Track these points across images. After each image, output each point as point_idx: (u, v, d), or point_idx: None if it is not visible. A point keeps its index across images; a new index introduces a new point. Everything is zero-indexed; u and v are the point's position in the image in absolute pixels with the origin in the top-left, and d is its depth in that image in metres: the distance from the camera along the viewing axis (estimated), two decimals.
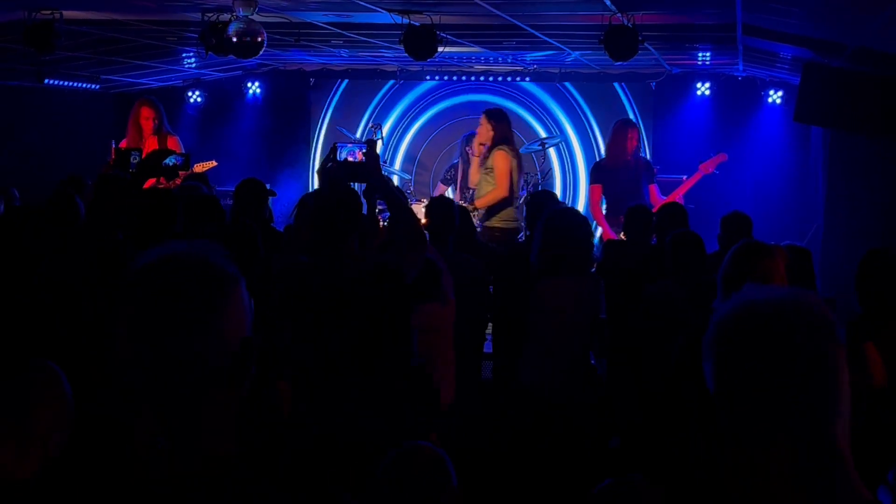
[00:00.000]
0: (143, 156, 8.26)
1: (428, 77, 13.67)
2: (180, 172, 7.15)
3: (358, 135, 13.12)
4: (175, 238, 5.11)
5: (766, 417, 1.72)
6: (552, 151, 12.93)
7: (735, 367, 1.76)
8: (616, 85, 13.21)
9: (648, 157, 12.53)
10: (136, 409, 1.71)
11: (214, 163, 9.94)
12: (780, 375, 1.71)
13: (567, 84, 13.36)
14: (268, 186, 7.31)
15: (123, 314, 1.71)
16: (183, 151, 9.60)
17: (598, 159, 11.60)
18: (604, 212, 9.90)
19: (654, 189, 10.06)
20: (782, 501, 1.71)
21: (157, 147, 9.51)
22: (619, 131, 10.35)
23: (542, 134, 12.85)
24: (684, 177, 11.01)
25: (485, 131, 9.59)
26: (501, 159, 9.33)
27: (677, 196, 10.39)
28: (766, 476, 1.72)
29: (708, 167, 10.69)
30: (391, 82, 13.74)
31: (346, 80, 13.95)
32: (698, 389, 1.90)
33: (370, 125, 13.23)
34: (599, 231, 10.05)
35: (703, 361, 1.82)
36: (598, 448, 5.54)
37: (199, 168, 9.59)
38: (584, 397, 5.55)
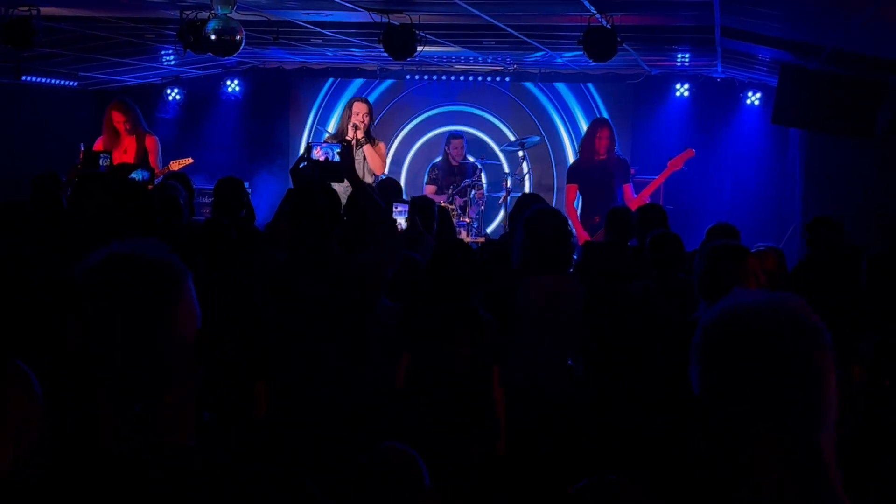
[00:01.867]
0: (114, 160, 8.27)
1: (408, 76, 13.65)
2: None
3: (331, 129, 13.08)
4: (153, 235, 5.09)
5: (750, 421, 1.73)
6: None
7: (721, 371, 1.76)
8: (594, 86, 13.24)
9: (629, 157, 12.55)
10: (94, 400, 1.77)
11: (191, 160, 9.90)
12: (767, 380, 1.72)
13: (545, 84, 13.38)
14: (246, 185, 7.30)
15: (77, 312, 1.78)
16: (160, 151, 9.59)
17: (571, 163, 11.67)
18: (579, 212, 10.03)
19: (627, 188, 10.21)
20: (768, 502, 1.72)
21: (136, 147, 9.49)
22: (590, 130, 10.67)
23: (511, 138, 12.90)
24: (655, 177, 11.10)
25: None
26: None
27: (647, 193, 10.53)
28: (752, 477, 1.73)
29: (677, 163, 10.79)
30: (375, 83, 13.72)
31: (328, 80, 13.92)
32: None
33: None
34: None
35: (689, 365, 1.83)
36: (589, 446, 5.55)
37: (176, 165, 9.56)
38: (570, 395, 5.56)
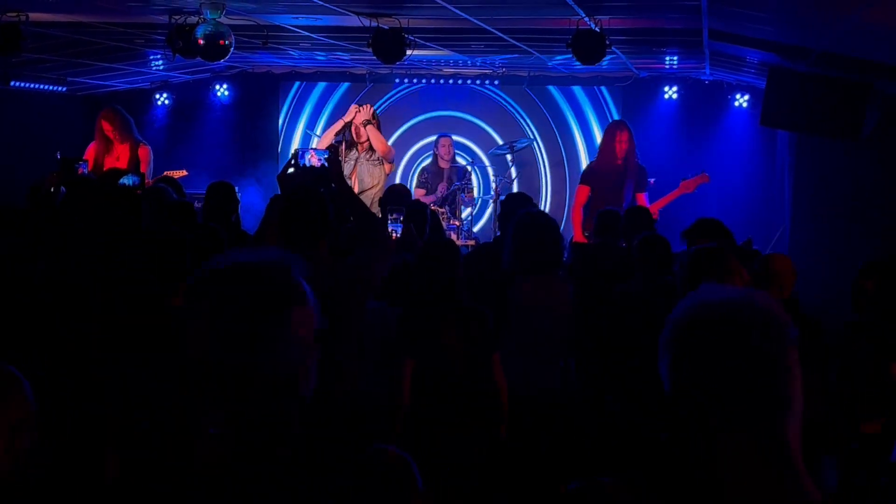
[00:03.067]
0: (106, 167, 8.28)
1: (397, 80, 13.66)
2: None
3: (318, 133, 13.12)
4: (141, 237, 5.10)
5: (718, 414, 1.75)
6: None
7: (689, 365, 1.79)
8: (582, 89, 13.27)
9: None
10: (201, 405, 1.87)
11: (185, 172, 9.93)
12: (734, 373, 1.74)
13: (534, 88, 13.40)
14: (236, 189, 7.30)
15: (198, 316, 1.86)
16: (152, 161, 9.61)
17: (588, 164, 11.32)
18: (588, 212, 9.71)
19: (641, 198, 9.88)
20: (737, 495, 1.74)
21: (128, 155, 9.51)
22: (608, 133, 10.29)
23: (499, 141, 12.91)
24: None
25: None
26: None
27: (658, 208, 10.13)
28: (722, 470, 1.75)
29: (689, 186, 10.41)
30: (367, 85, 13.73)
31: (317, 84, 13.93)
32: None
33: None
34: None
35: (658, 359, 1.85)
36: (585, 446, 5.57)
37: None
38: (563, 395, 5.59)
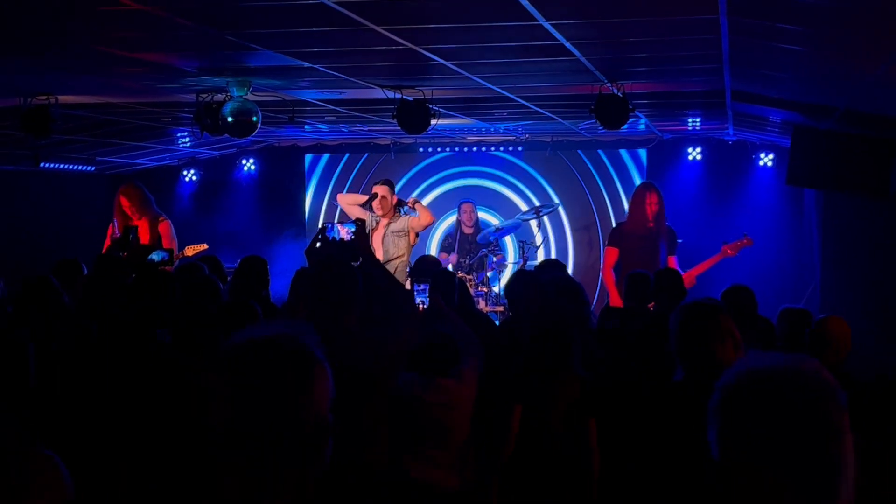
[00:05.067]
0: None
1: (421, 149, 13.77)
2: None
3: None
4: (171, 314, 5.13)
5: (772, 482, 1.74)
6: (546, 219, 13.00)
7: (740, 434, 1.78)
8: (604, 152, 13.32)
9: None
10: (219, 472, 1.93)
11: (205, 246, 9.93)
12: (785, 440, 1.74)
13: (559, 152, 13.46)
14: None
15: (219, 387, 1.94)
16: (174, 234, 9.61)
17: (615, 225, 11.23)
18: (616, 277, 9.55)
19: (672, 261, 9.68)
20: None
21: (148, 230, 9.50)
22: (638, 195, 10.03)
23: (536, 202, 12.95)
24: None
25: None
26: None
27: (698, 272, 9.98)
28: None
29: (732, 249, 10.13)
30: (389, 155, 13.86)
31: (343, 155, 14.05)
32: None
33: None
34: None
35: (707, 428, 1.85)
36: None
37: (190, 251, 9.57)
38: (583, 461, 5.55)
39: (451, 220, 12.60)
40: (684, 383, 4.08)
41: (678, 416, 3.90)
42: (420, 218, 10.14)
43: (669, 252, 9.75)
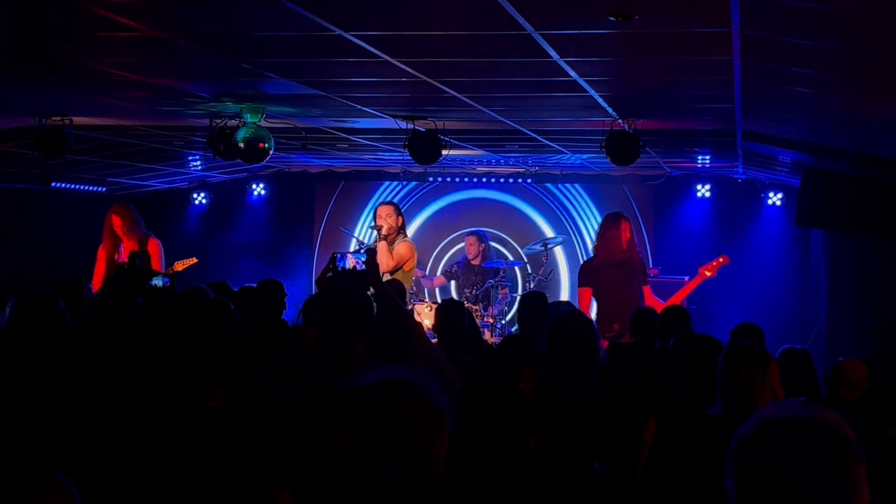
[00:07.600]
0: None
1: (430, 178, 13.82)
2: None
3: (356, 234, 13.23)
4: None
5: None
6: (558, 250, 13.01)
7: (758, 483, 1.78)
8: (614, 187, 13.34)
9: (650, 258, 12.55)
10: None
11: (194, 260, 9.76)
12: (802, 491, 1.74)
13: (567, 185, 13.50)
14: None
15: (348, 426, 2.01)
16: (163, 254, 9.43)
17: (584, 262, 10.15)
18: (593, 316, 8.86)
19: (648, 290, 9.19)
20: None
21: (137, 249, 9.31)
22: (611, 223, 9.29)
23: (549, 234, 12.97)
24: (686, 278, 10.62)
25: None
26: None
27: (679, 299, 9.77)
28: None
29: (709, 270, 9.90)
30: (398, 184, 13.95)
31: (352, 182, 14.11)
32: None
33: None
34: None
35: (725, 476, 1.85)
36: None
37: (180, 266, 9.45)
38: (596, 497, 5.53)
39: (459, 247, 12.69)
40: (724, 417, 4.20)
41: (715, 447, 3.96)
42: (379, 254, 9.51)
43: (643, 283, 9.15)
